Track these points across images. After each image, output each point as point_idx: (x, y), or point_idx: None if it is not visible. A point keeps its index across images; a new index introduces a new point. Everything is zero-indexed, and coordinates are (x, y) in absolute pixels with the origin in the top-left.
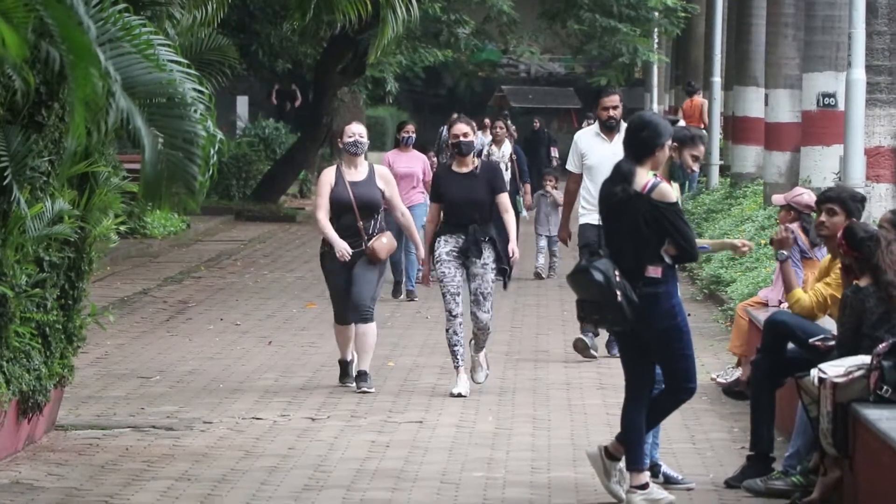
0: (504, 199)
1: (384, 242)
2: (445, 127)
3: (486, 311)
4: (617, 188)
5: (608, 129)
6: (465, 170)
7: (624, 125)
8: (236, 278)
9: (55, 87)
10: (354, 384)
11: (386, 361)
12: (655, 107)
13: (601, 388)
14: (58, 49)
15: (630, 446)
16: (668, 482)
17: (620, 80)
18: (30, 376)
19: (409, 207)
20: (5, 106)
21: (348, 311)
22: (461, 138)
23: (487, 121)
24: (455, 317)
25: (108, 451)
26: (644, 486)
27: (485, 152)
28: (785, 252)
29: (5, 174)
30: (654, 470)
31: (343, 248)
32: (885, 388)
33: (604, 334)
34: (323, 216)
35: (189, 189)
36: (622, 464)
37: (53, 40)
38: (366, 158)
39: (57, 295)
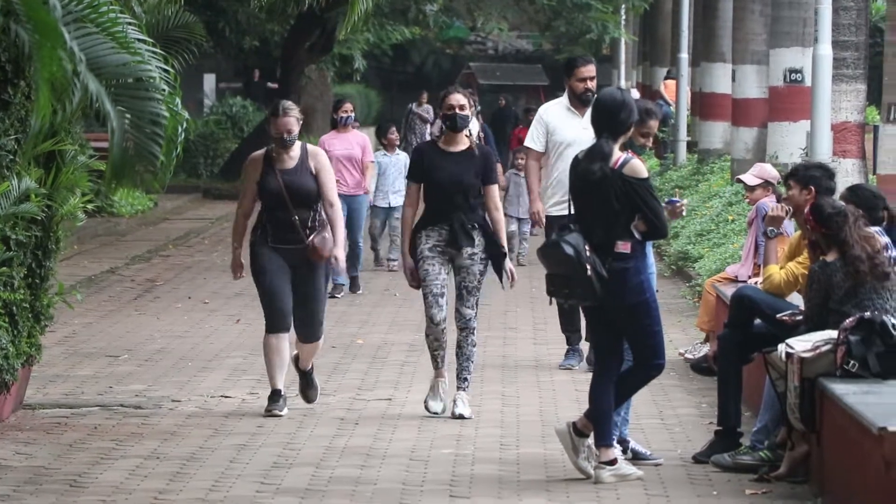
0: (494, 192)
1: (326, 238)
2: (413, 104)
3: (471, 307)
4: (595, 166)
5: (582, 102)
6: (455, 148)
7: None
8: (204, 256)
9: (22, 66)
10: (283, 411)
11: (355, 339)
12: (623, 83)
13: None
14: (24, 28)
15: (598, 422)
16: (637, 458)
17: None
18: None
19: (349, 197)
20: None
21: (286, 317)
22: (457, 111)
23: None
24: (437, 324)
25: (77, 429)
26: (612, 462)
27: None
28: (775, 229)
29: None
30: (623, 446)
31: (235, 268)
32: (851, 362)
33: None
34: (241, 213)
35: (152, 169)
36: (591, 440)
37: (20, 19)
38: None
39: (24, 274)
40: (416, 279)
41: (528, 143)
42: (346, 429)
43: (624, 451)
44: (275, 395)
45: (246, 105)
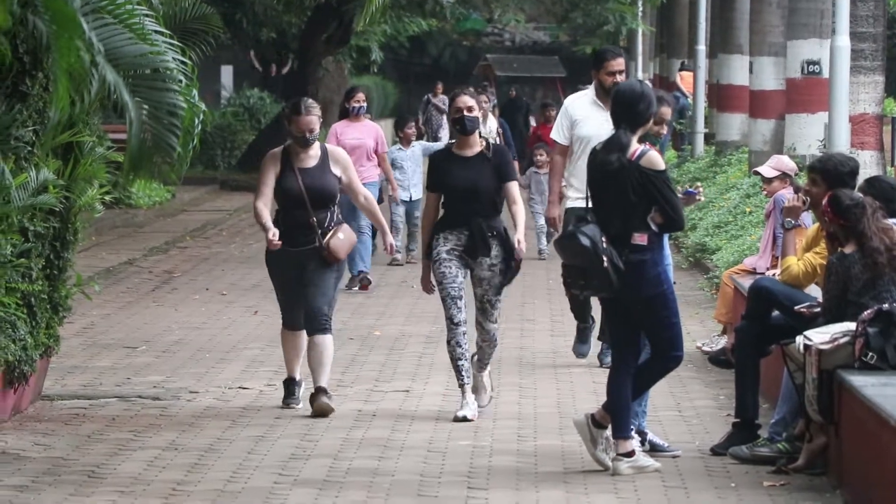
0: (514, 188)
1: (342, 239)
2: (429, 95)
3: (494, 321)
4: (613, 157)
5: (609, 96)
6: (469, 153)
7: None
8: (222, 248)
9: (40, 57)
10: (300, 404)
11: (372, 330)
12: (640, 75)
13: (590, 357)
14: (42, 19)
15: (616, 414)
16: (655, 450)
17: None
18: (15, 346)
19: None
20: None
21: (300, 315)
22: (465, 113)
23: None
24: (457, 325)
25: (95, 420)
26: (630, 454)
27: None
28: (793, 220)
29: None
30: (642, 437)
31: (272, 234)
32: (870, 354)
33: (594, 346)
34: (262, 204)
35: (169, 160)
36: (608, 432)
37: (38, 10)
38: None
39: (42, 265)
40: (429, 286)
41: (553, 135)
42: (364, 420)
43: (642, 443)
44: (290, 385)
45: (263, 97)
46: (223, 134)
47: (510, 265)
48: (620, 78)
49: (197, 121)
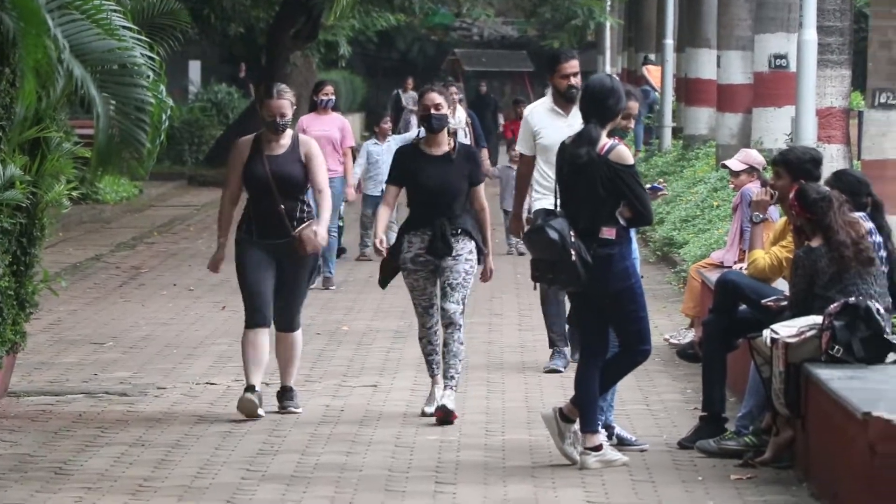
0: (481, 192)
1: (315, 232)
2: (398, 90)
3: (456, 302)
4: (581, 150)
5: (567, 100)
6: (437, 151)
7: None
8: (189, 244)
9: (6, 53)
10: (272, 407)
11: (340, 326)
12: (609, 69)
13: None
14: (8, 15)
15: (584, 408)
16: (622, 444)
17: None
18: None
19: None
20: None
21: (268, 312)
22: (432, 111)
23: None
24: (428, 328)
25: (62, 417)
26: (598, 448)
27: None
28: (761, 214)
29: None
30: (609, 431)
31: (217, 260)
32: (836, 347)
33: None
34: (227, 198)
35: (137, 156)
36: (576, 426)
37: (4, 6)
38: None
39: (9, 261)
40: (383, 252)
41: (519, 148)
42: (332, 415)
43: (609, 437)
44: (247, 391)
45: (231, 92)
46: (191, 129)
47: (479, 259)
48: (575, 80)
49: (164, 116)
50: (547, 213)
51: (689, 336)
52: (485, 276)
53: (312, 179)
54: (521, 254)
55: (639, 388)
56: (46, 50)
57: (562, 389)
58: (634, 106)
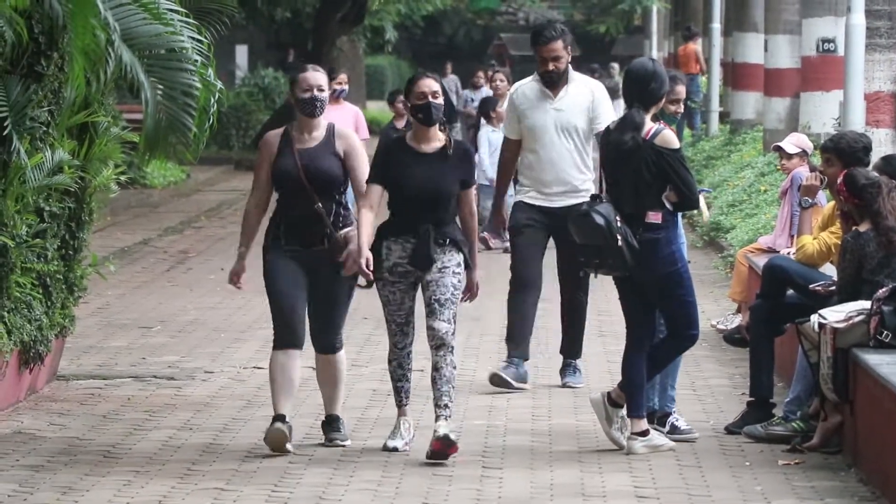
0: (471, 196)
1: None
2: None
3: (446, 321)
4: (627, 136)
5: (551, 83)
6: (427, 148)
7: (578, 77)
8: (236, 227)
9: (55, 38)
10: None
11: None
12: (655, 53)
13: (601, 335)
14: (58, 0)
15: (631, 393)
16: (674, 433)
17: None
18: (31, 326)
19: None
20: (4, 56)
21: (301, 330)
22: (430, 99)
23: (480, 73)
24: (401, 349)
25: (110, 400)
26: (645, 433)
27: (470, 106)
28: (810, 199)
29: (5, 124)
30: (663, 420)
31: (235, 273)
32: (885, 332)
33: (556, 361)
34: (253, 202)
35: (184, 140)
36: (624, 411)
37: None
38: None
39: (58, 245)
40: (362, 265)
41: (505, 132)
42: (379, 400)
43: (662, 424)
44: (276, 421)
45: (278, 77)
46: (238, 114)
47: (468, 272)
48: (556, 66)
49: (213, 100)
50: (593, 199)
51: (737, 321)
52: (470, 290)
53: (354, 179)
54: (506, 251)
55: (686, 373)
56: (95, 34)
57: (608, 374)
58: (682, 90)
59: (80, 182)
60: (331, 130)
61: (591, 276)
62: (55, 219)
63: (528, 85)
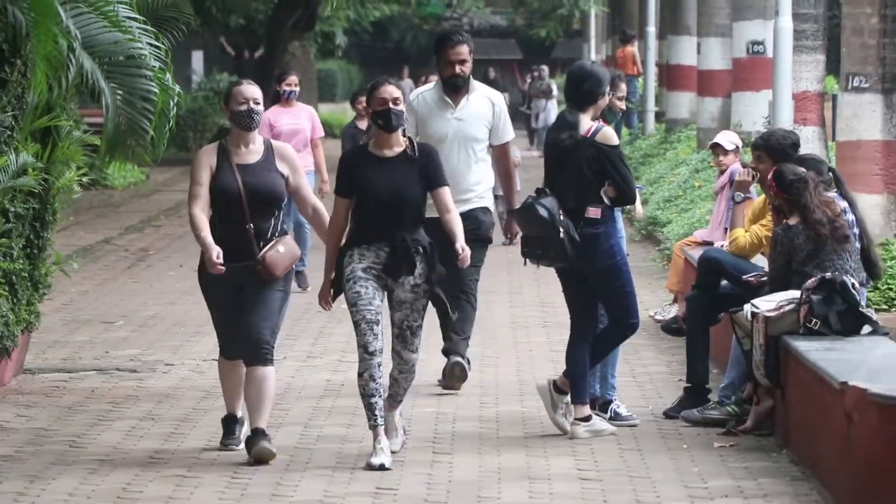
0: (446, 195)
1: (281, 252)
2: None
3: (415, 351)
4: (564, 136)
5: (454, 89)
6: (389, 153)
7: (479, 87)
8: None
9: (18, 45)
10: (240, 445)
11: (339, 304)
12: (594, 56)
13: (545, 325)
14: (20, 8)
15: (574, 381)
16: (616, 419)
17: (560, 31)
18: None
19: None
20: None
21: (237, 343)
22: (391, 106)
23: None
24: (372, 354)
25: (75, 392)
26: (588, 419)
27: None
28: (742, 193)
29: None
30: (605, 407)
31: (214, 255)
32: (814, 320)
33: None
34: (198, 210)
35: (143, 143)
36: (568, 398)
37: (16, 0)
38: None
39: (23, 244)
40: (328, 301)
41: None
42: (333, 390)
43: (604, 411)
44: (230, 423)
45: (233, 81)
46: (195, 117)
47: (433, 285)
48: (462, 69)
49: (172, 104)
50: (538, 192)
51: (673, 311)
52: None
53: (303, 197)
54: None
55: (626, 361)
56: (57, 41)
57: (552, 363)
58: (625, 88)
59: (43, 183)
60: (269, 147)
61: (535, 266)
62: (20, 219)
63: (430, 92)
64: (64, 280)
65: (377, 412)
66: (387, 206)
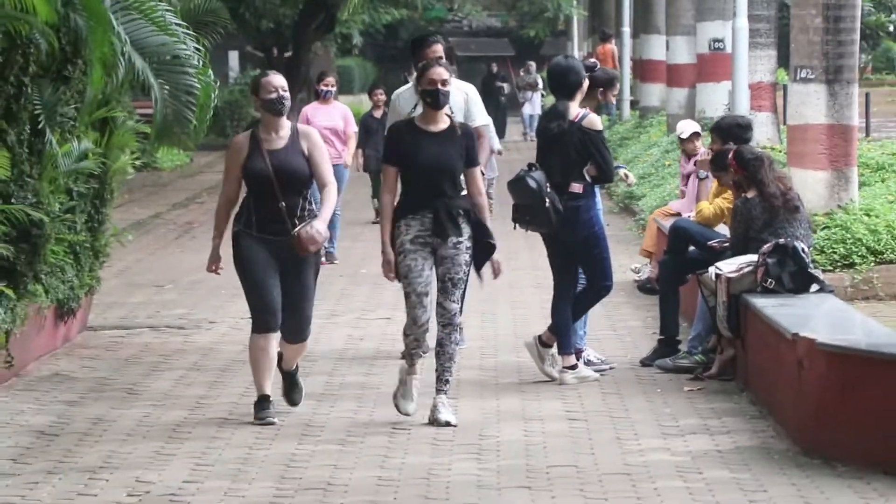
0: (478, 175)
1: (314, 230)
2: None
3: (455, 301)
4: (553, 124)
5: (434, 107)
6: (436, 128)
7: (453, 81)
8: None
9: (79, 47)
10: (276, 418)
11: (358, 269)
12: (576, 53)
13: (537, 287)
14: (80, 16)
15: (560, 334)
16: (593, 364)
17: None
18: (64, 286)
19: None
20: (37, 63)
21: (277, 314)
22: (439, 87)
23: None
24: (420, 326)
25: (131, 347)
26: (574, 367)
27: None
28: (705, 172)
29: (39, 119)
30: (580, 354)
31: (210, 265)
32: (769, 280)
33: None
34: (224, 202)
35: (187, 131)
36: (554, 350)
37: (76, 9)
38: (288, 118)
39: (85, 219)
40: (394, 271)
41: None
42: (353, 343)
43: (578, 358)
44: (262, 402)
45: (260, 73)
46: (231, 108)
47: (479, 246)
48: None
49: (213, 97)
50: (529, 167)
51: (647, 272)
52: (496, 271)
53: (317, 173)
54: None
55: (607, 316)
56: (111, 44)
57: (543, 319)
58: (617, 87)
59: (102, 166)
60: (295, 130)
61: (524, 231)
62: (82, 197)
63: (408, 91)
64: (120, 249)
65: (415, 359)
66: (431, 175)
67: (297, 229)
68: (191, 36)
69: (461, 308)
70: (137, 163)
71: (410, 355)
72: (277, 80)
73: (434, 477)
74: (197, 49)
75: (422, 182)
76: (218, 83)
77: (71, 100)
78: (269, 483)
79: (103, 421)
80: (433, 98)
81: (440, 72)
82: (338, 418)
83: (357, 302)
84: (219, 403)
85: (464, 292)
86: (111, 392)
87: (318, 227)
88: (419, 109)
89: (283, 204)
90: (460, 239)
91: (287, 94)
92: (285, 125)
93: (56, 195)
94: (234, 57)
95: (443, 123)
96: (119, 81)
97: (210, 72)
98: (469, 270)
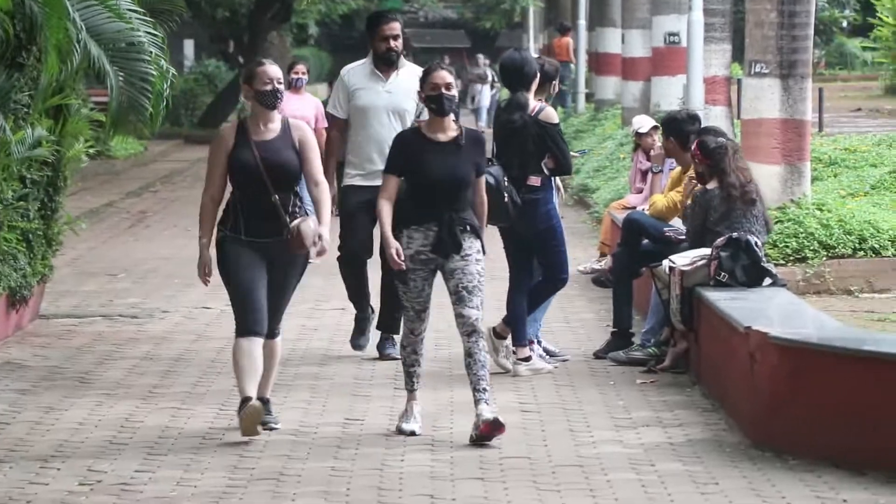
0: (482, 183)
1: (310, 226)
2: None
3: (475, 307)
4: (515, 116)
5: (386, 63)
6: (444, 137)
7: (408, 64)
8: (186, 192)
9: (33, 34)
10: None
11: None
12: (532, 45)
13: (492, 278)
14: (35, 2)
15: (514, 326)
16: (549, 355)
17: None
18: (17, 274)
19: None
20: None
21: (261, 319)
22: (443, 91)
23: None
24: (416, 335)
25: (83, 335)
26: (528, 359)
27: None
28: (658, 165)
29: None
30: (531, 345)
31: (202, 270)
32: (722, 274)
33: (374, 336)
34: (208, 199)
35: (142, 119)
36: (508, 341)
37: None
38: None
39: (38, 207)
40: (399, 259)
41: (330, 109)
42: (307, 334)
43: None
44: (245, 405)
45: (219, 65)
46: (186, 97)
47: (484, 255)
48: (395, 43)
49: (167, 85)
50: (488, 161)
51: (591, 263)
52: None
53: (308, 170)
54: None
55: (560, 308)
56: (67, 31)
57: (498, 311)
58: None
59: (55, 154)
60: (286, 123)
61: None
62: (35, 185)
63: (361, 66)
64: (73, 238)
65: (414, 379)
66: (439, 188)
67: (294, 223)
68: (146, 23)
69: (482, 315)
70: (91, 151)
71: (409, 374)
72: (273, 70)
73: (387, 468)
74: (153, 36)
75: (428, 194)
76: (173, 71)
77: (25, 87)
78: (221, 473)
79: (55, 410)
80: (438, 104)
81: (443, 75)
82: (291, 409)
83: (310, 293)
84: (172, 393)
85: (482, 300)
86: (63, 381)
87: (321, 232)
88: (425, 115)
89: (276, 197)
90: (467, 251)
91: (282, 87)
92: (276, 117)
93: (9, 182)
94: (189, 45)
95: (451, 131)
96: (74, 68)
97: (164, 60)
98: (483, 278)
